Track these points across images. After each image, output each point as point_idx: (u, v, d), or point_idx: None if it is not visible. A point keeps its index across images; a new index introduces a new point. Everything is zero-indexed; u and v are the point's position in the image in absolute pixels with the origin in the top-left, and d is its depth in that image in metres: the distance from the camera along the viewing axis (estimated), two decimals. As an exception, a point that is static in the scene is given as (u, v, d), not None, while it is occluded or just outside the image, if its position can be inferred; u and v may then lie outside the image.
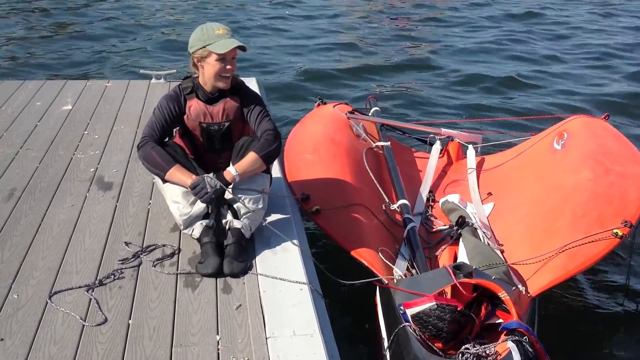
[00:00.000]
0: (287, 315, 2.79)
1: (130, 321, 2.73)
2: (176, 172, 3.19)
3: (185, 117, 3.38)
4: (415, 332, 2.82)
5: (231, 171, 3.20)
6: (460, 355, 2.71)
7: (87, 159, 4.33)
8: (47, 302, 2.82)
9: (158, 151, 3.22)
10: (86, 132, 4.81)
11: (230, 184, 3.20)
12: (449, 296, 3.01)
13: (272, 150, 3.29)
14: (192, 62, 3.31)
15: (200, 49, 3.21)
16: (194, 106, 3.36)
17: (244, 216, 3.28)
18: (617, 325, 3.90)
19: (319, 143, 4.44)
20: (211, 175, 3.17)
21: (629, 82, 8.77)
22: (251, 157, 3.24)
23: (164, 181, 3.29)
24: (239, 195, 3.25)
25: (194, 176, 3.18)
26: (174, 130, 3.47)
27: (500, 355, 2.65)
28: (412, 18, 12.60)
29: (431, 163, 4.86)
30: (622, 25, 12.14)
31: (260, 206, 3.32)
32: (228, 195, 3.24)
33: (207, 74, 3.27)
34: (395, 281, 3.24)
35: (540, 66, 9.49)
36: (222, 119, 3.39)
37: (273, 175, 3.64)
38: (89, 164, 4.25)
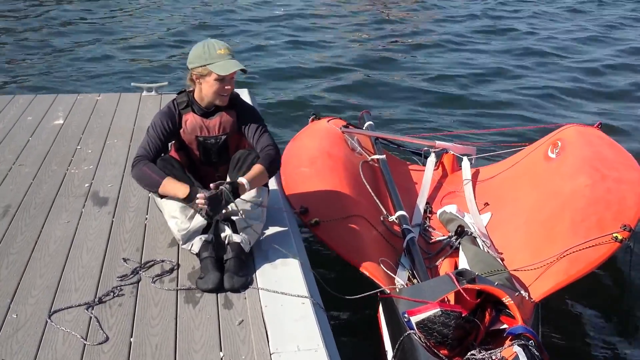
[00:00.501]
0: (290, 330, 2.76)
1: (132, 339, 2.69)
2: (169, 185, 3.15)
3: (181, 131, 3.35)
4: (420, 340, 2.81)
5: (244, 183, 3.15)
6: (466, 361, 2.71)
7: (81, 174, 4.28)
8: (46, 322, 2.78)
9: (150, 167, 3.20)
10: (79, 147, 4.76)
11: (239, 196, 3.15)
12: (452, 303, 3.00)
13: (276, 164, 3.32)
14: (189, 76, 3.29)
15: (200, 67, 3.18)
16: (190, 120, 3.34)
17: (243, 230, 3.25)
18: (619, 328, 3.91)
19: (315, 157, 4.43)
20: (228, 187, 3.07)
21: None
22: (259, 169, 3.21)
23: (161, 196, 3.26)
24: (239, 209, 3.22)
25: (188, 187, 3.12)
26: (170, 144, 3.45)
27: (507, 360, 2.64)
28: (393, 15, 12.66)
29: (427, 175, 4.85)
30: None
31: (259, 220, 3.30)
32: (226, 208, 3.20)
33: (205, 92, 3.26)
34: (397, 290, 3.23)
35: (526, 64, 9.44)
36: (219, 132, 3.37)
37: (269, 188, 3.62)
38: (83, 179, 4.20)
